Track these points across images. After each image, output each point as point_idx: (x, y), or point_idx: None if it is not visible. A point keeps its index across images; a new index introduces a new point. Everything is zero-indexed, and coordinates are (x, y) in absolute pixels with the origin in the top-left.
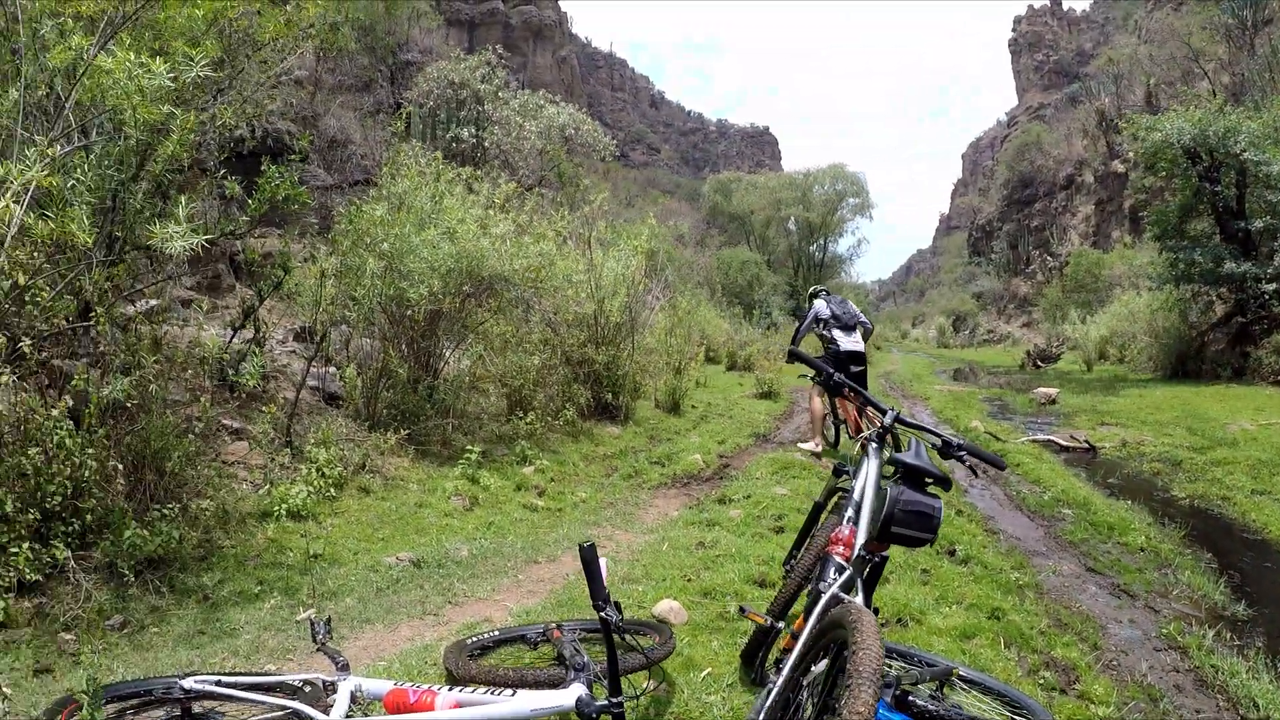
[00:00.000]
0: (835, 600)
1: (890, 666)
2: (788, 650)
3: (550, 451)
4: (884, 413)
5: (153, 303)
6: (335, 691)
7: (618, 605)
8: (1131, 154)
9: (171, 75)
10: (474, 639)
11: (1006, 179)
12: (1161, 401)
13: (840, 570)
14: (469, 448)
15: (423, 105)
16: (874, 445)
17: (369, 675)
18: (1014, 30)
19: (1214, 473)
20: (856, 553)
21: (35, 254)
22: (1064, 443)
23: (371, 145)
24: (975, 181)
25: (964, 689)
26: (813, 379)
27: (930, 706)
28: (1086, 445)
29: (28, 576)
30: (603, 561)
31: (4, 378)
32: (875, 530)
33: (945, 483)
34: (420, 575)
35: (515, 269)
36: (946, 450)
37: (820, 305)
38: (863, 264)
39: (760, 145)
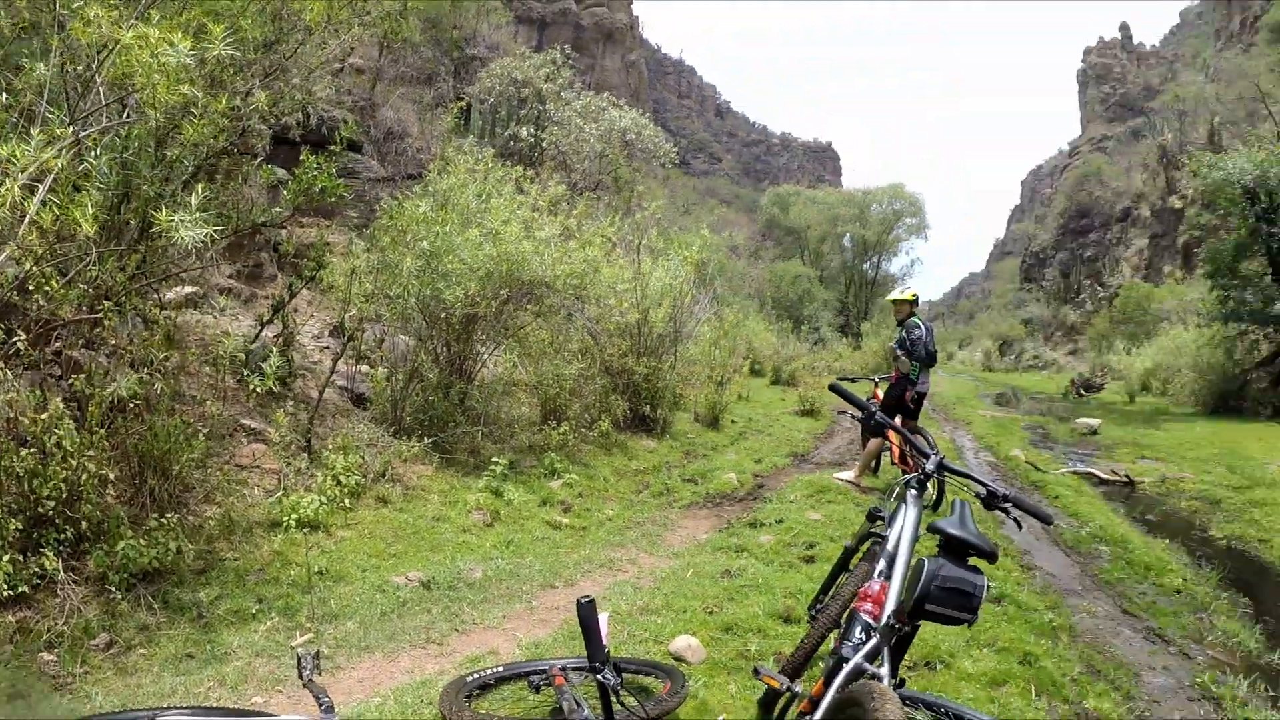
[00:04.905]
0: (858, 672)
1: None
2: (805, 714)
3: (581, 464)
4: (927, 456)
5: (188, 290)
6: None
7: (617, 667)
8: (1191, 190)
9: (194, 54)
10: (475, 676)
11: (1064, 208)
12: (1202, 438)
13: (867, 633)
14: (496, 459)
15: (484, 101)
16: (913, 493)
17: (358, 716)
18: (1083, 61)
19: (1252, 514)
20: (885, 620)
21: (43, 241)
22: (1104, 476)
23: (428, 139)
24: (1032, 209)
25: None
26: (853, 415)
27: None
28: (1126, 479)
29: (3, 592)
30: (603, 617)
31: None
32: (908, 604)
33: (991, 556)
34: (429, 598)
35: (558, 275)
36: (991, 501)
37: (924, 328)
38: (915, 284)
39: (822, 160)
